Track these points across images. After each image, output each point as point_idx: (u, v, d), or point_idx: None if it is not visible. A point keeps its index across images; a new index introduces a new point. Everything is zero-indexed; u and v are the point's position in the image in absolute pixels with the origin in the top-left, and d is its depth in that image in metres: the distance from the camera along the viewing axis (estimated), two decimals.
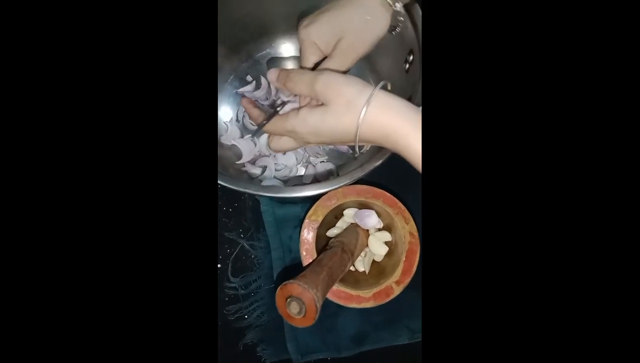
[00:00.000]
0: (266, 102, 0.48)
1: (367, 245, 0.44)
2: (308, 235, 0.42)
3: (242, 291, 0.47)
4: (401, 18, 0.34)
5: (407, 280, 0.41)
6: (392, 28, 0.35)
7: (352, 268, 0.45)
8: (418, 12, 0.39)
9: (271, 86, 0.49)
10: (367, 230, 0.44)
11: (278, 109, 0.35)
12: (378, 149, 0.37)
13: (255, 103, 0.38)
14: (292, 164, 0.48)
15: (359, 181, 0.39)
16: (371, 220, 0.43)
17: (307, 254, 0.41)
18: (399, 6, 0.33)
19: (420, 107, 0.30)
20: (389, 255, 0.44)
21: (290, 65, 0.51)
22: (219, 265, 0.48)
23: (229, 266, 0.48)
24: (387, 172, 0.41)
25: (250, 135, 0.48)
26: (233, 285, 0.47)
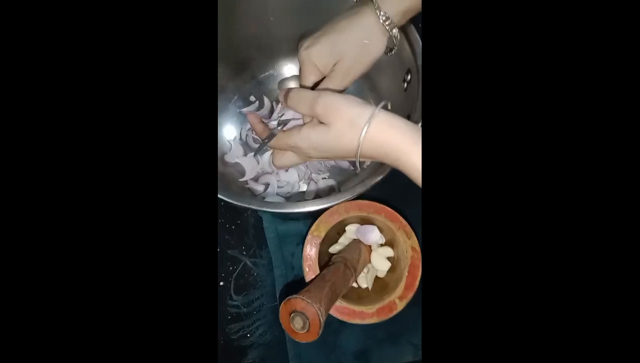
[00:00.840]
0: (269, 121, 0.50)
1: (369, 261, 0.44)
2: (311, 250, 0.42)
3: (245, 309, 0.47)
4: (395, 41, 0.35)
5: (410, 295, 0.41)
6: (388, 50, 0.37)
7: (354, 285, 0.45)
8: (414, 34, 0.40)
9: (274, 105, 0.50)
10: (370, 246, 0.45)
11: (279, 128, 0.36)
12: (379, 165, 0.37)
13: (260, 119, 0.39)
14: (294, 181, 0.48)
15: (361, 197, 0.40)
16: (373, 236, 0.44)
17: (310, 270, 0.41)
18: (395, 31, 0.35)
19: (419, 125, 0.31)
20: (391, 270, 0.44)
21: (294, 84, 0.52)
22: (221, 283, 0.48)
23: (232, 284, 0.48)
24: (388, 187, 0.41)
25: (253, 153, 0.49)
26: (235, 303, 0.47)
